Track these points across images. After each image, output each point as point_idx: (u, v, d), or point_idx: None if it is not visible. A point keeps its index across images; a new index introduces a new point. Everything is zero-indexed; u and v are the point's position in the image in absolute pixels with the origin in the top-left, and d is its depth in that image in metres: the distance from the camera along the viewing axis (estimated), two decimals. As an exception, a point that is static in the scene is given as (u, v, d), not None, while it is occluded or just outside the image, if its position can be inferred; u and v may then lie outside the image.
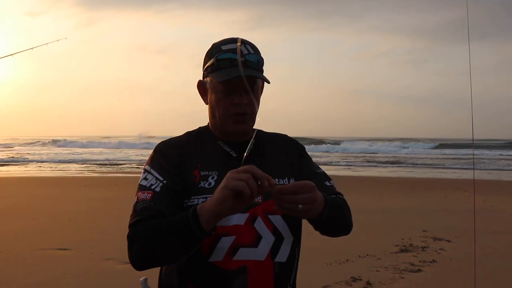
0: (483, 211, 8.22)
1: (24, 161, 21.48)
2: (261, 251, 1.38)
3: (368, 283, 4.00)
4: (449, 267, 4.63)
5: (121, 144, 36.92)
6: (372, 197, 9.78)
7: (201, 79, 1.49)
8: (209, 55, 1.45)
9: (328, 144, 37.77)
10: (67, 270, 4.39)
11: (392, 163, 22.54)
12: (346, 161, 23.35)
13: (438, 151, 33.26)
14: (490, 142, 40.53)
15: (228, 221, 1.36)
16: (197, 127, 1.59)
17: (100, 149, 32.36)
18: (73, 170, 17.46)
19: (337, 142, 39.68)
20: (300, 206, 1.22)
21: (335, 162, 22.85)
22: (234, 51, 1.39)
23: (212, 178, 1.41)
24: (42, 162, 20.98)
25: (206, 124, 1.58)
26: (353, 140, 45.89)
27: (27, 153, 26.94)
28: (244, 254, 1.36)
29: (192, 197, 1.38)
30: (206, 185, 1.40)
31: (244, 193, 1.16)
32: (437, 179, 15.20)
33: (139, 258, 1.32)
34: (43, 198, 8.86)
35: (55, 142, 38.43)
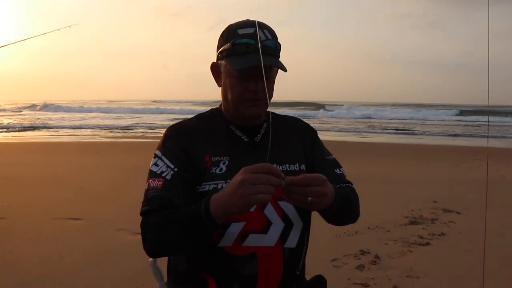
0: (495, 181, 8.16)
1: (44, 127, 21.42)
2: (271, 237, 1.38)
3: (377, 256, 4.02)
4: (457, 241, 4.62)
5: (130, 110, 36.99)
6: (381, 165, 9.74)
7: (215, 61, 1.46)
8: (225, 38, 1.42)
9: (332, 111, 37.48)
10: (79, 240, 4.47)
11: (402, 130, 22.34)
12: (352, 127, 23.20)
13: (452, 117, 32.84)
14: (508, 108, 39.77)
15: None
16: (209, 109, 1.57)
17: (109, 114, 32.45)
18: (81, 135, 17.56)
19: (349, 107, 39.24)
20: (309, 198, 1.21)
21: (344, 128, 22.71)
22: (251, 36, 1.36)
23: (224, 163, 1.41)
24: (61, 127, 20.96)
25: (218, 106, 1.56)
26: (363, 104, 45.57)
27: (39, 118, 27.09)
28: (254, 240, 1.37)
29: (203, 183, 1.38)
30: (217, 171, 1.39)
31: (262, 202, 1.19)
32: (449, 146, 15.06)
33: (152, 249, 1.36)
34: (54, 165, 8.93)
35: (58, 108, 38.42)
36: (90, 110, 36.47)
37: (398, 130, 21.91)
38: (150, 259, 1.59)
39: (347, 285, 3.37)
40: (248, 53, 1.35)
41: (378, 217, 5.23)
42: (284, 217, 1.41)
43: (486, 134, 20.58)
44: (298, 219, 1.43)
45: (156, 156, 1.44)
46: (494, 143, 16.98)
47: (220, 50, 1.42)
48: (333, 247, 4.23)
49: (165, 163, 1.40)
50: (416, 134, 20.45)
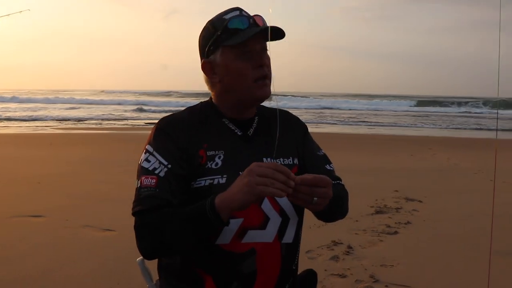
0: (449, 169, 8.53)
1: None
2: (269, 233, 1.37)
3: (349, 246, 4.10)
4: (423, 228, 4.80)
5: (79, 100, 35.75)
6: (337, 156, 9.93)
7: (206, 59, 1.40)
8: (213, 29, 1.37)
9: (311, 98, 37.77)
10: (43, 239, 4.26)
11: (354, 120, 22.86)
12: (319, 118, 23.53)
13: (408, 108, 33.98)
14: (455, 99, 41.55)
15: None
16: (199, 102, 1.52)
17: (59, 105, 31.20)
18: (33, 127, 16.81)
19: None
20: (315, 199, 1.20)
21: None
22: (240, 15, 1.35)
23: (219, 157, 1.37)
24: (7, 119, 19.95)
25: (208, 99, 1.50)
26: (323, 96, 46.26)
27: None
28: (252, 236, 1.35)
29: (199, 179, 1.34)
30: (213, 166, 1.35)
31: (267, 194, 1.16)
32: (403, 136, 15.57)
33: (152, 250, 1.31)
34: (5, 159, 8.50)
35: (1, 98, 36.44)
36: (36, 101, 34.88)
37: (350, 120, 22.40)
38: (138, 258, 1.52)
39: (325, 276, 3.41)
40: (245, 29, 1.33)
41: (345, 207, 5.32)
42: (282, 212, 1.39)
43: (439, 125, 21.36)
44: (294, 214, 1.42)
45: (147, 151, 1.36)
46: (443, 132, 17.74)
47: (210, 42, 1.37)
48: (306, 239, 4.18)
49: (157, 159, 1.34)
50: (370, 124, 21.00)
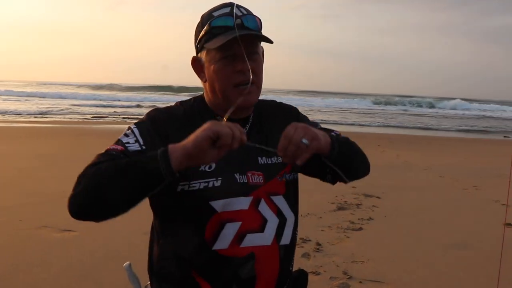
0: (399, 166, 8.84)
1: None
2: (267, 236, 1.34)
3: (318, 244, 4.13)
4: (385, 224, 4.93)
5: (17, 92, 33.90)
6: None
7: (195, 55, 1.35)
8: (201, 25, 1.32)
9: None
10: (-4, 242, 3.98)
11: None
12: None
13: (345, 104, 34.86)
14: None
15: (232, 206, 1.29)
16: (191, 98, 1.44)
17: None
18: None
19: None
20: (304, 140, 1.15)
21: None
22: (228, 14, 1.28)
23: None
24: None
25: (201, 94, 1.43)
26: (277, 92, 46.52)
27: None
28: (251, 240, 1.31)
29: (193, 181, 1.27)
30: (207, 168, 1.28)
31: (224, 136, 1.08)
32: (353, 133, 15.96)
33: (81, 199, 1.14)
34: None
35: None
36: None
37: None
38: (126, 263, 1.43)
39: (299, 274, 3.41)
40: (228, 30, 1.25)
41: (307, 204, 5.38)
42: (279, 212, 1.36)
43: (384, 123, 22.06)
44: (290, 213, 1.40)
45: (129, 128, 1.30)
46: (389, 130, 18.38)
47: (198, 39, 1.32)
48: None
49: (136, 137, 1.26)
50: (321, 122, 21.34)
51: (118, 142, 1.26)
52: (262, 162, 1.36)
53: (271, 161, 1.38)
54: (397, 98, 43.29)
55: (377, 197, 6.07)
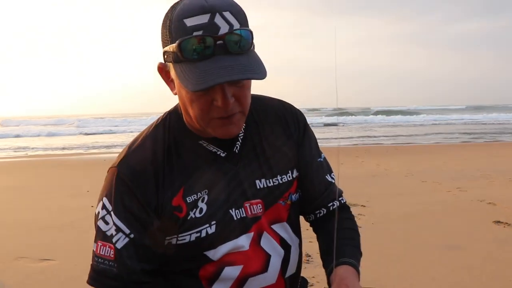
0: (381, 175, 8.84)
1: None
2: (272, 274, 1.20)
3: (308, 255, 4.02)
4: (374, 231, 4.86)
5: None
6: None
7: (159, 64, 1.07)
8: (169, 30, 0.98)
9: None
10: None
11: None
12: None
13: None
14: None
15: (230, 249, 1.15)
16: (165, 115, 1.17)
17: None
18: None
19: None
20: None
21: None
22: (205, 28, 0.93)
23: (203, 200, 1.10)
24: None
25: (175, 109, 1.18)
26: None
27: None
28: (253, 284, 1.17)
29: (182, 235, 1.10)
30: (197, 215, 1.10)
31: None
32: (328, 147, 16.02)
33: None
34: None
35: None
36: None
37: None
38: None
39: (292, 287, 3.29)
40: (204, 56, 0.93)
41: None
42: (282, 242, 1.22)
43: (359, 136, 22.20)
44: (294, 238, 1.27)
45: (104, 206, 1.08)
46: (366, 141, 18.52)
47: (164, 49, 1.01)
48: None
49: (116, 224, 1.06)
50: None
51: (104, 237, 1.08)
52: (262, 186, 1.18)
53: (273, 182, 1.20)
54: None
55: (362, 205, 6.01)
